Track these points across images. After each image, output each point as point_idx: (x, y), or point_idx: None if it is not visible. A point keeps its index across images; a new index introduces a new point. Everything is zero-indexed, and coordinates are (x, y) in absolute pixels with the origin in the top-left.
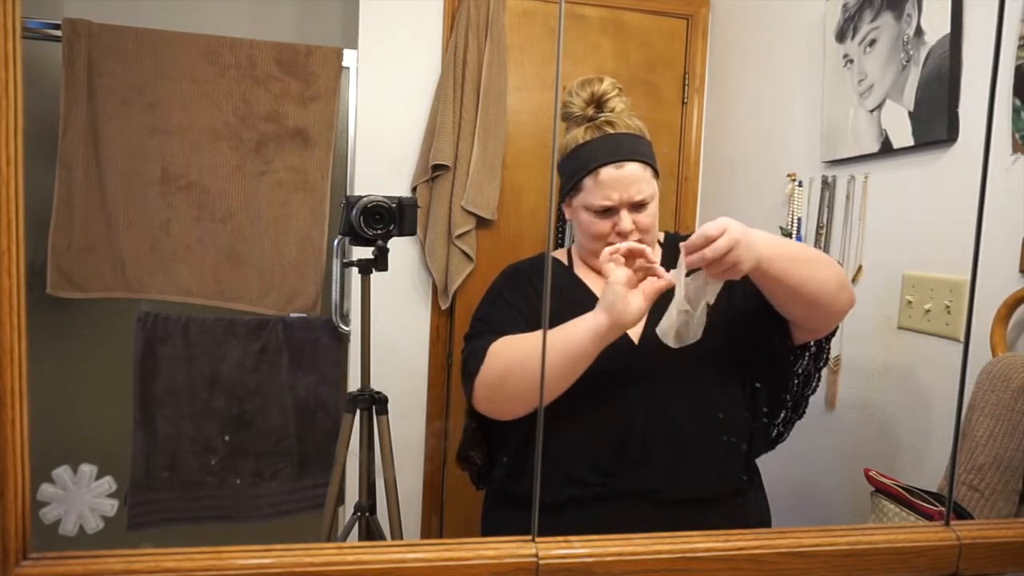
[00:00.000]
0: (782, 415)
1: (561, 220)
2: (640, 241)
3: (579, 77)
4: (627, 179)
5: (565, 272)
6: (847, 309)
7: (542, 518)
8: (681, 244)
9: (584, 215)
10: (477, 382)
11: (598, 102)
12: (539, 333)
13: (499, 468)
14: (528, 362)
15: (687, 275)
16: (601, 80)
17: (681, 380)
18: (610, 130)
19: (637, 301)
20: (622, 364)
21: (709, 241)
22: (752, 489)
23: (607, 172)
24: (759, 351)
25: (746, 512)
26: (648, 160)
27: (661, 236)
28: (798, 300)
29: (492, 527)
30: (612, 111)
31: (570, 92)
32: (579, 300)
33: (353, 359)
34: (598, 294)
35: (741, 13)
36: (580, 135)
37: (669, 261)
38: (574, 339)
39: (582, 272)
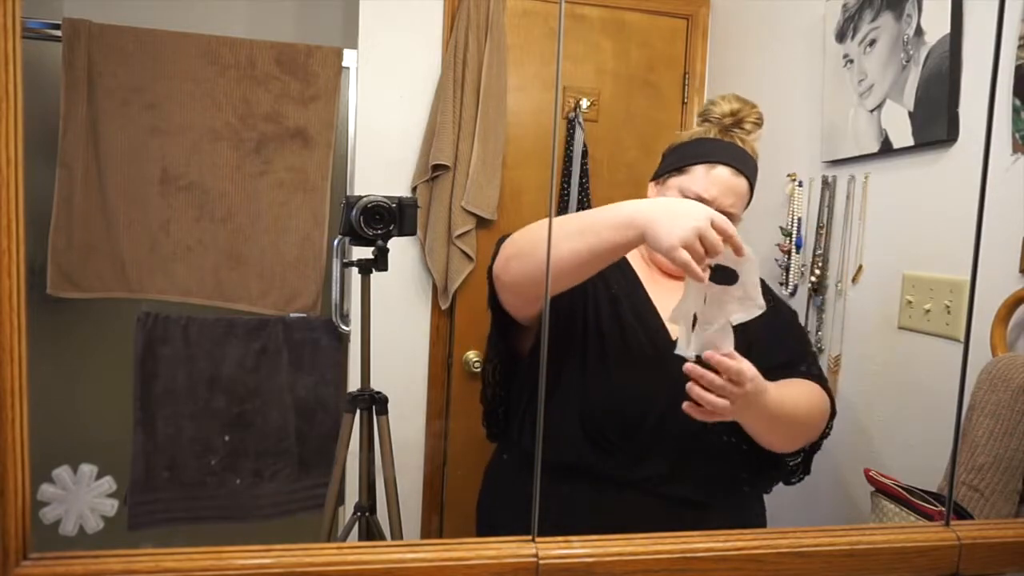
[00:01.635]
0: (797, 460)
1: None
2: None
3: (733, 93)
4: (734, 187)
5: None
6: (806, 445)
7: (542, 500)
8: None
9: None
10: (497, 260)
11: (739, 120)
12: (575, 216)
13: (514, 417)
14: (556, 236)
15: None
16: (753, 106)
17: None
18: (740, 143)
19: (680, 241)
20: (654, 354)
21: (729, 372)
22: (751, 499)
23: (723, 171)
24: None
25: (742, 515)
26: (753, 187)
27: None
28: (771, 443)
29: (494, 490)
30: (747, 133)
31: (722, 97)
32: (626, 284)
33: (353, 359)
34: (645, 283)
35: (741, 13)
36: (711, 131)
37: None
38: (608, 235)
39: (635, 259)
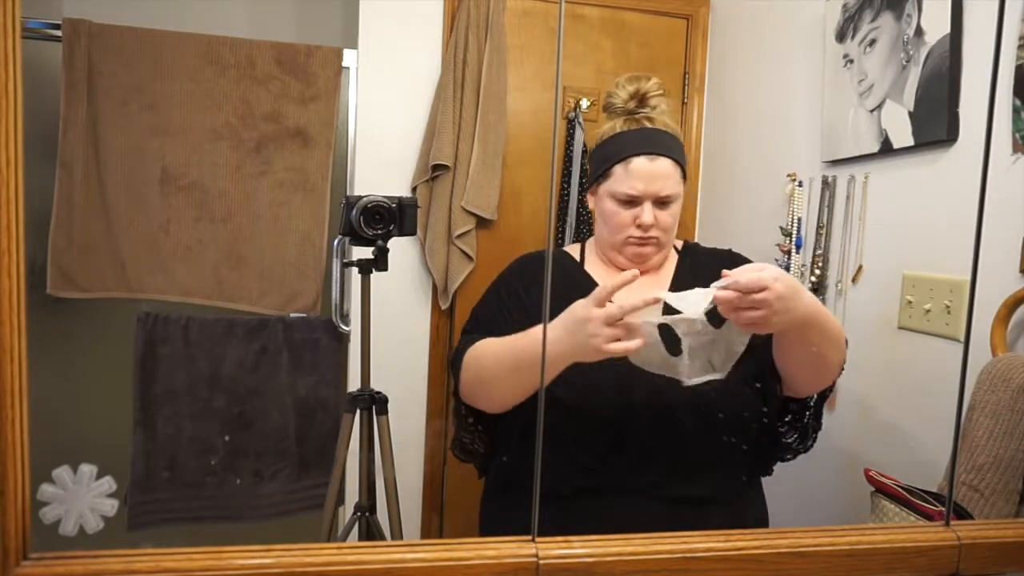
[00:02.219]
0: (791, 439)
1: (561, 220)
2: (657, 240)
3: (626, 74)
4: (657, 172)
5: (576, 268)
6: (830, 382)
7: (544, 509)
8: (728, 273)
9: (608, 203)
10: (459, 386)
11: (641, 98)
12: (509, 339)
13: (504, 455)
14: (496, 374)
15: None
16: (648, 78)
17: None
18: (648, 124)
19: (606, 342)
20: (630, 363)
21: (752, 289)
22: (751, 491)
23: (639, 162)
24: (764, 364)
25: (743, 512)
26: (680, 161)
27: (679, 243)
28: (801, 366)
29: (491, 519)
30: (653, 109)
31: (616, 84)
32: (583, 293)
33: (353, 359)
34: None
35: (741, 13)
36: (618, 125)
37: (683, 272)
38: (532, 356)
39: (593, 268)
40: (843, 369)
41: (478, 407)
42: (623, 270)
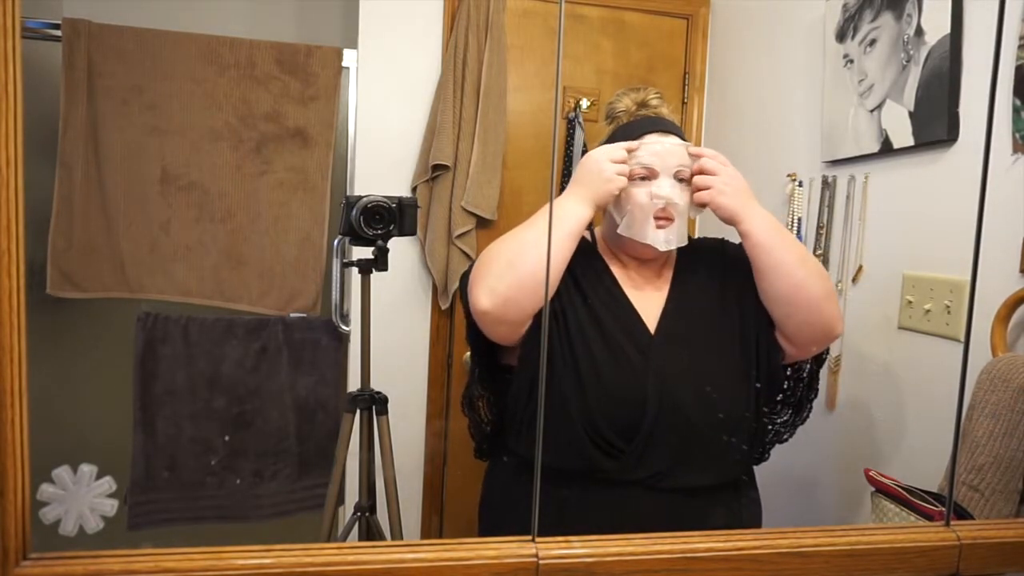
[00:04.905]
0: (785, 416)
1: None
2: (675, 216)
3: (625, 87)
4: (671, 149)
5: (589, 248)
6: (832, 327)
7: (545, 494)
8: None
9: None
10: (473, 278)
11: (642, 103)
12: (532, 220)
13: (510, 428)
14: (526, 245)
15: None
16: (647, 88)
17: (692, 374)
18: (653, 114)
19: (615, 175)
20: (638, 353)
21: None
22: (746, 486)
23: (652, 138)
24: (761, 353)
25: (740, 505)
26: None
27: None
28: (783, 288)
29: (495, 493)
30: (655, 108)
31: (617, 95)
32: (603, 289)
33: (353, 359)
34: (619, 278)
35: (741, 13)
36: (624, 119)
37: (683, 269)
38: (569, 214)
39: (610, 261)
40: (836, 321)
41: (497, 309)
42: (637, 259)
